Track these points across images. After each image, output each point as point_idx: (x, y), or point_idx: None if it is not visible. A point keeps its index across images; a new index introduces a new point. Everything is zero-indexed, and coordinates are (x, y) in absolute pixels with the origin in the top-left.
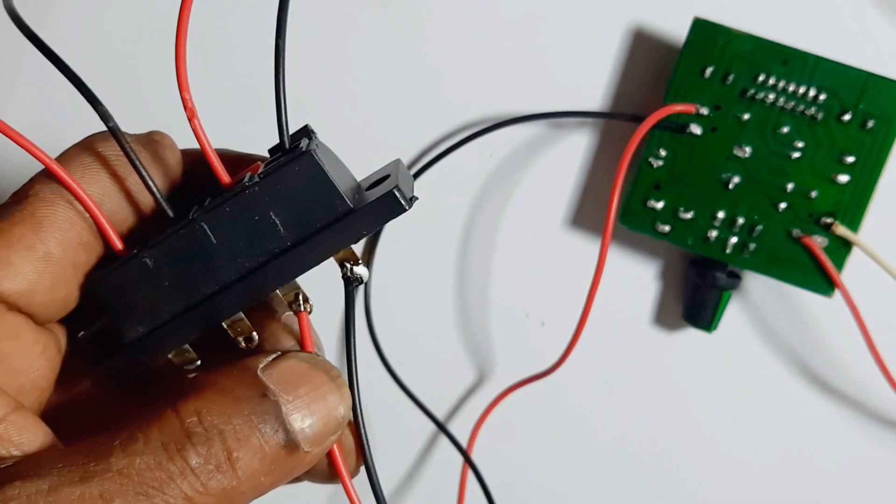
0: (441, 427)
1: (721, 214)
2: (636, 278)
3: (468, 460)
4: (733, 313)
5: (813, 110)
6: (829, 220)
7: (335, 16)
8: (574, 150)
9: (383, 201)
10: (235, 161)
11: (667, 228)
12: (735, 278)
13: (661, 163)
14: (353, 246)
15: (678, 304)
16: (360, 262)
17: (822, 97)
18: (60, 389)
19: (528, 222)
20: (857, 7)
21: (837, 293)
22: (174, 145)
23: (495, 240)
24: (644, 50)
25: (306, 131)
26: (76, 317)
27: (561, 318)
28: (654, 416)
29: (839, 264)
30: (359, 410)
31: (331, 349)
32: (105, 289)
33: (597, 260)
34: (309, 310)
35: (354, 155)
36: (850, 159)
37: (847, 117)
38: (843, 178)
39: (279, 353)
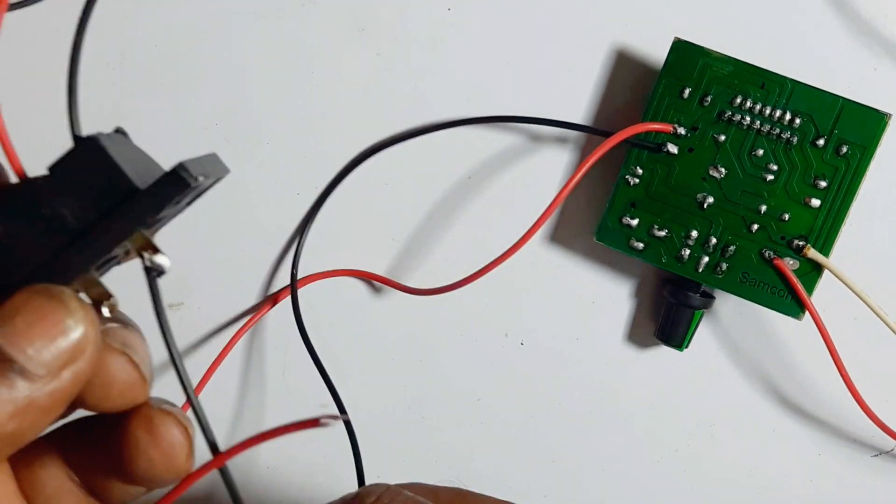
0: None
1: (695, 234)
2: (611, 296)
3: None
4: (704, 333)
5: (788, 134)
6: (801, 244)
7: (317, 45)
8: (552, 167)
9: (167, 178)
10: None
11: (641, 246)
12: (708, 298)
13: (637, 181)
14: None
15: (651, 322)
16: (161, 251)
17: (798, 121)
18: None
19: (505, 239)
20: (834, 33)
21: (807, 316)
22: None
23: (472, 259)
24: (625, 70)
25: (116, 131)
26: None
27: (540, 337)
28: (625, 433)
29: (810, 287)
30: (195, 405)
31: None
32: None
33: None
34: (111, 308)
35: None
36: (824, 184)
37: (822, 142)
38: (816, 203)
39: None
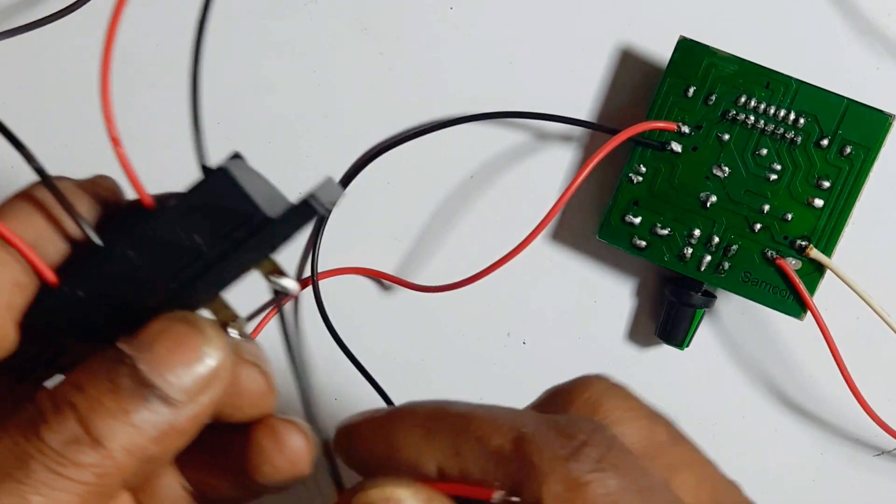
0: None
1: (697, 233)
2: (613, 295)
3: None
4: (706, 332)
5: (792, 134)
6: (803, 244)
7: (319, 44)
8: (555, 166)
9: (298, 208)
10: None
11: (643, 244)
12: (710, 297)
13: (640, 179)
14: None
15: (652, 321)
16: (287, 274)
17: (802, 121)
18: None
19: (509, 236)
20: (836, 33)
21: (809, 316)
22: (115, 186)
23: (474, 258)
24: (630, 69)
25: (234, 157)
26: (28, 359)
27: (542, 336)
28: None
29: (812, 287)
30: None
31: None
32: (41, 323)
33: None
34: (239, 328)
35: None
36: (827, 184)
37: (826, 143)
38: (819, 203)
39: None
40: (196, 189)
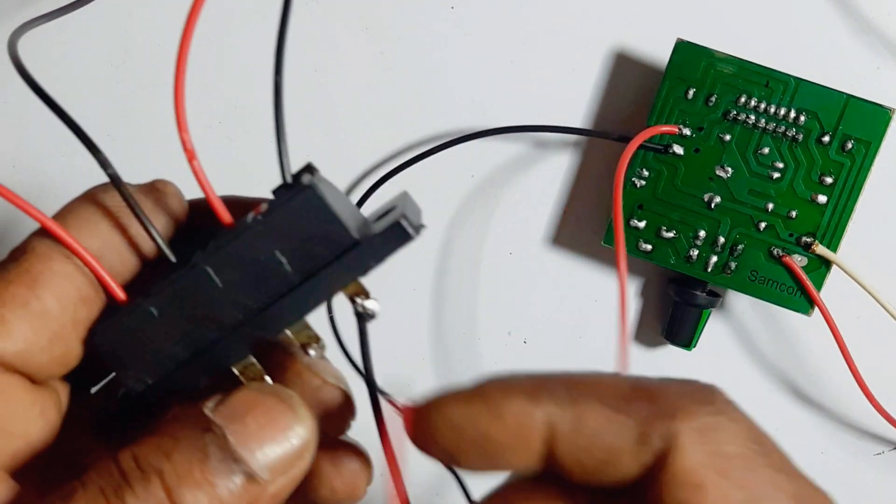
0: None
1: (703, 234)
2: (616, 295)
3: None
4: (714, 331)
5: (794, 132)
6: (809, 240)
7: (320, 44)
8: (555, 169)
9: (390, 231)
10: (240, 205)
11: (649, 248)
12: (715, 297)
13: (643, 182)
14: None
15: (658, 321)
16: (371, 296)
17: (803, 119)
18: (63, 445)
19: (508, 240)
20: (836, 33)
21: (816, 311)
22: (179, 193)
23: (476, 258)
24: (627, 72)
25: (309, 169)
26: (83, 372)
27: (543, 336)
28: None
29: (818, 283)
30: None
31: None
32: (108, 342)
33: (619, 289)
34: (320, 351)
35: (347, 176)
36: (830, 180)
37: (827, 139)
38: (823, 199)
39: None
40: (281, 206)
